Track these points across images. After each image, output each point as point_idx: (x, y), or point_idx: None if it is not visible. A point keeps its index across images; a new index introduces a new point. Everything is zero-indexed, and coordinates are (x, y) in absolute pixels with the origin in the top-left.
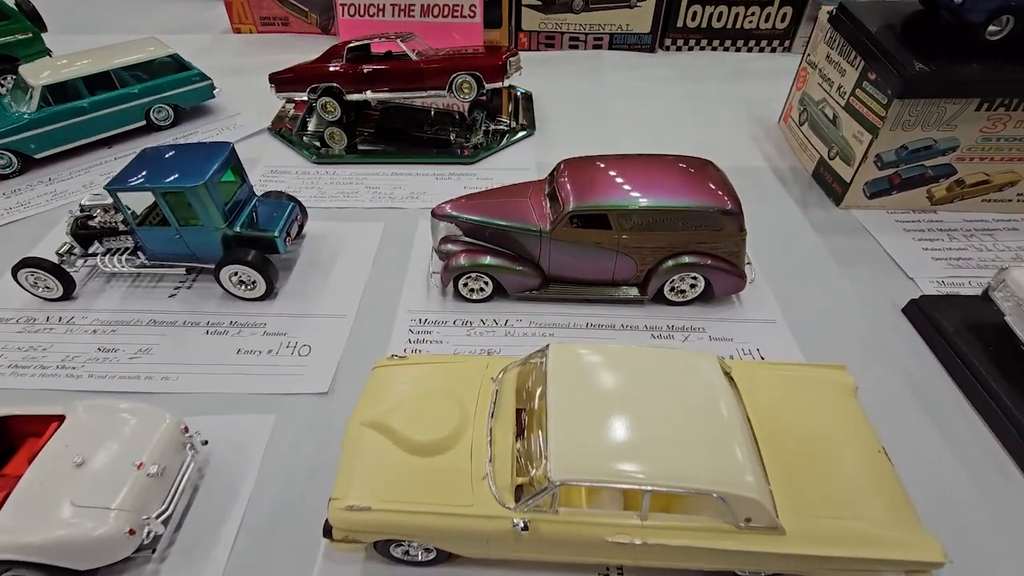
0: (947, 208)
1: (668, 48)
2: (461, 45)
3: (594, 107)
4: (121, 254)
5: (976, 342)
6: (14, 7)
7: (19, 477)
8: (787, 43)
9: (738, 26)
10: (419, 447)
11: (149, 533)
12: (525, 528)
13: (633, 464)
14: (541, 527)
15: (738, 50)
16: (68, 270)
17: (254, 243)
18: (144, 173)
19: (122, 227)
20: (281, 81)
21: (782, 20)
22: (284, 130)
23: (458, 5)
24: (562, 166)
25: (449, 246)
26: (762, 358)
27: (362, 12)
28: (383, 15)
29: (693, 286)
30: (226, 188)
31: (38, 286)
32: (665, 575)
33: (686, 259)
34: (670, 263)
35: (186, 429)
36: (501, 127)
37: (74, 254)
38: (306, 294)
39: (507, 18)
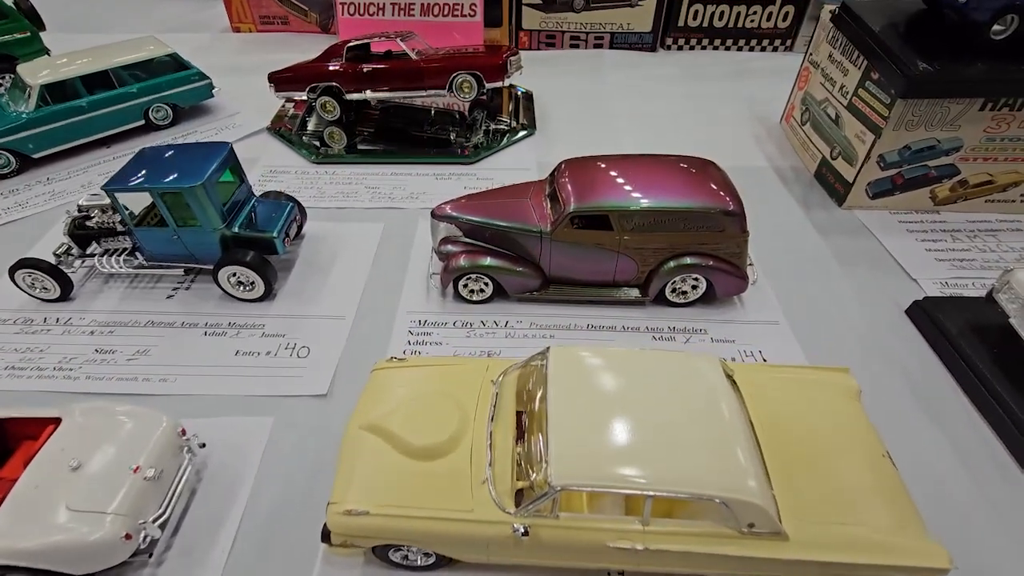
0: (950, 208)
1: (669, 47)
2: (461, 44)
3: (595, 107)
4: (119, 255)
5: (980, 344)
6: (12, 6)
7: (14, 481)
8: (789, 42)
9: (739, 25)
10: (418, 451)
11: (146, 538)
12: (525, 533)
13: (635, 468)
14: (542, 532)
15: (739, 49)
16: (65, 271)
17: (253, 244)
18: (142, 173)
19: (120, 228)
20: (280, 80)
21: (784, 19)
22: (283, 130)
23: (458, 4)
24: (563, 166)
25: (449, 247)
26: (764, 360)
27: (362, 11)
28: (383, 14)
29: (695, 287)
30: (224, 188)
31: (35, 287)
32: None
33: (688, 260)
34: (672, 264)
35: (183, 432)
36: (501, 127)
37: (72, 255)
38: (305, 295)
39: (507, 17)
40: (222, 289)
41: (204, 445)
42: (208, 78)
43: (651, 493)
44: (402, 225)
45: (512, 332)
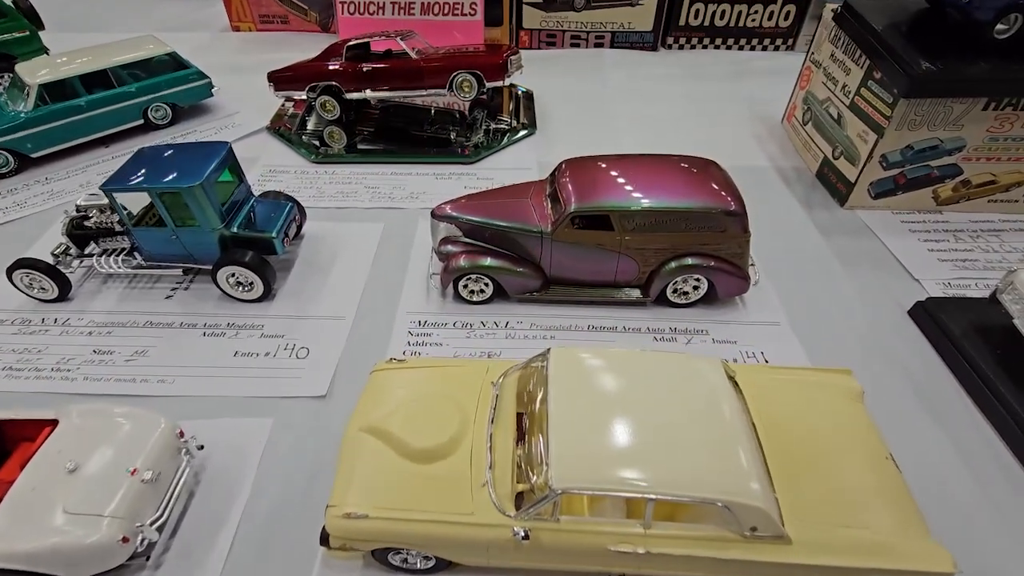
0: (953, 208)
1: (670, 46)
2: (461, 43)
3: (596, 106)
4: (117, 255)
5: (984, 345)
6: (11, 4)
7: (11, 483)
8: (790, 41)
9: (741, 24)
10: (418, 453)
11: (143, 540)
12: (526, 537)
13: (636, 472)
14: (542, 536)
15: (741, 48)
16: (63, 271)
17: (252, 244)
18: (140, 173)
19: (118, 228)
20: (280, 79)
21: (785, 18)
22: (283, 129)
23: (459, 3)
24: (563, 166)
25: (449, 247)
26: (766, 361)
27: (362, 10)
28: (383, 13)
29: (696, 288)
30: (223, 188)
31: (33, 287)
32: None
33: (689, 261)
34: (673, 265)
35: (181, 434)
36: (502, 126)
37: (70, 255)
38: (304, 295)
39: (508, 16)
40: (221, 289)
41: (202, 447)
42: (207, 77)
43: (653, 497)
44: (402, 225)
45: (512, 333)
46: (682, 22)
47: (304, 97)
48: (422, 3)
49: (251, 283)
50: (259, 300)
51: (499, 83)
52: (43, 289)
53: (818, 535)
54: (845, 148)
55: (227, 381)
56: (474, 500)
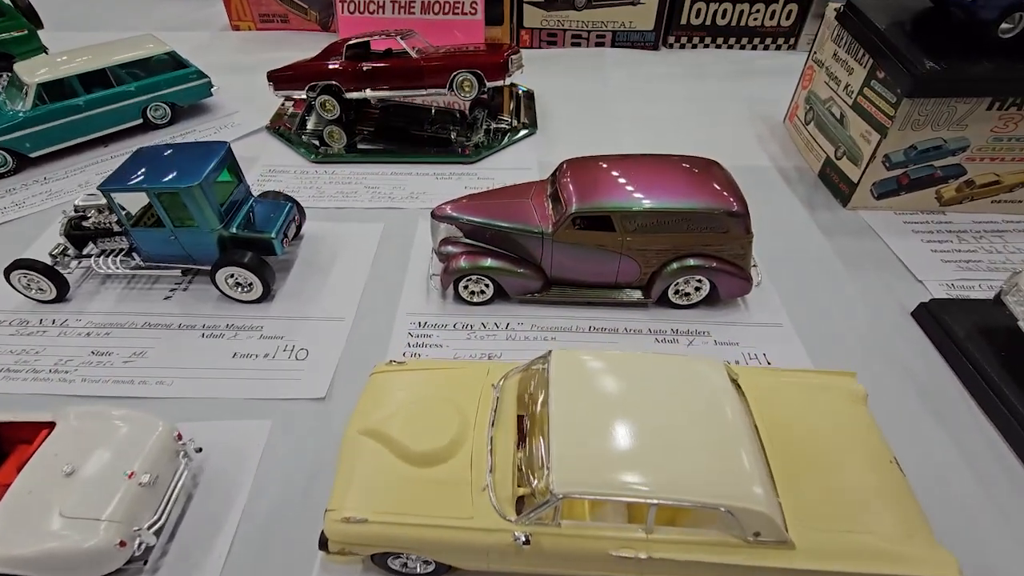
0: (956, 209)
1: (672, 46)
2: (462, 42)
3: (597, 106)
4: (116, 255)
5: (988, 347)
6: (9, 3)
7: (7, 486)
8: (792, 41)
9: (742, 23)
10: (418, 457)
11: (140, 544)
12: (527, 542)
13: (638, 476)
14: (543, 541)
15: (742, 48)
16: (62, 271)
17: (251, 244)
18: (138, 173)
19: (116, 228)
20: (280, 79)
21: (787, 17)
22: (283, 129)
23: (459, 2)
24: (564, 166)
25: (449, 248)
26: (768, 363)
27: (362, 9)
28: (383, 12)
29: (698, 289)
30: (222, 188)
31: (31, 288)
32: None
33: (691, 262)
34: (675, 266)
35: (179, 437)
36: (502, 126)
37: (68, 255)
38: (304, 296)
39: (509, 15)
40: (220, 290)
41: (201, 449)
42: (207, 77)
43: (655, 502)
44: (402, 225)
45: (513, 334)
46: (683, 21)
47: (304, 96)
48: (422, 2)
49: (250, 284)
50: (258, 301)
51: (500, 82)
52: (41, 290)
53: (822, 540)
54: (848, 148)
55: (226, 383)
56: (474, 504)
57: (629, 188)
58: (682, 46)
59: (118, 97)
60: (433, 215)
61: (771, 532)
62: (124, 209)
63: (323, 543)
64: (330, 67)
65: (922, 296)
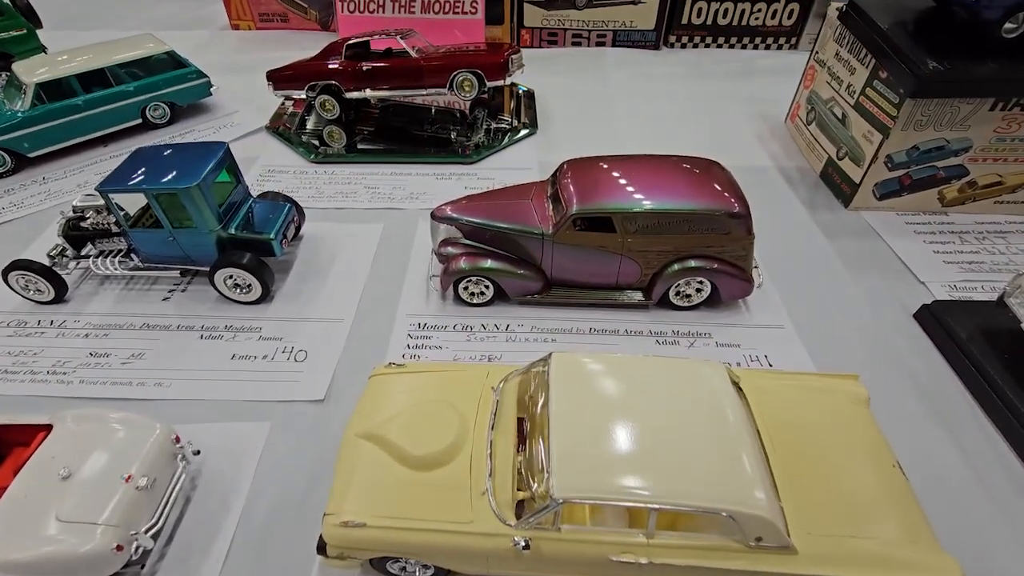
0: (958, 210)
1: (673, 45)
2: (462, 42)
3: (597, 105)
4: (114, 256)
5: (990, 349)
6: (8, 2)
7: (3, 490)
8: (794, 40)
9: (744, 23)
10: (417, 460)
11: (138, 548)
12: (526, 547)
13: (638, 480)
14: (543, 545)
15: (744, 47)
16: (60, 272)
17: (249, 245)
18: (136, 174)
19: (115, 229)
20: (279, 79)
21: (789, 17)
22: (282, 128)
23: (459, 1)
24: (565, 167)
25: (449, 249)
26: (770, 365)
27: (362, 8)
28: (383, 11)
29: (699, 291)
30: (221, 189)
31: (29, 289)
32: None
33: (692, 263)
34: (676, 267)
35: (177, 439)
36: (503, 126)
37: (66, 256)
38: (303, 297)
39: (509, 15)
40: (218, 291)
41: (199, 452)
42: (206, 76)
43: (655, 506)
44: (402, 226)
45: (513, 336)
46: (684, 20)
47: (303, 96)
48: (422, 1)
49: (249, 285)
50: (257, 302)
51: (500, 82)
52: (39, 291)
53: (824, 545)
54: (850, 148)
55: (224, 384)
56: (474, 508)
57: (630, 189)
58: (683, 46)
59: (117, 97)
60: (433, 216)
61: (773, 537)
62: (122, 210)
63: (321, 547)
64: (330, 67)
65: (924, 297)
